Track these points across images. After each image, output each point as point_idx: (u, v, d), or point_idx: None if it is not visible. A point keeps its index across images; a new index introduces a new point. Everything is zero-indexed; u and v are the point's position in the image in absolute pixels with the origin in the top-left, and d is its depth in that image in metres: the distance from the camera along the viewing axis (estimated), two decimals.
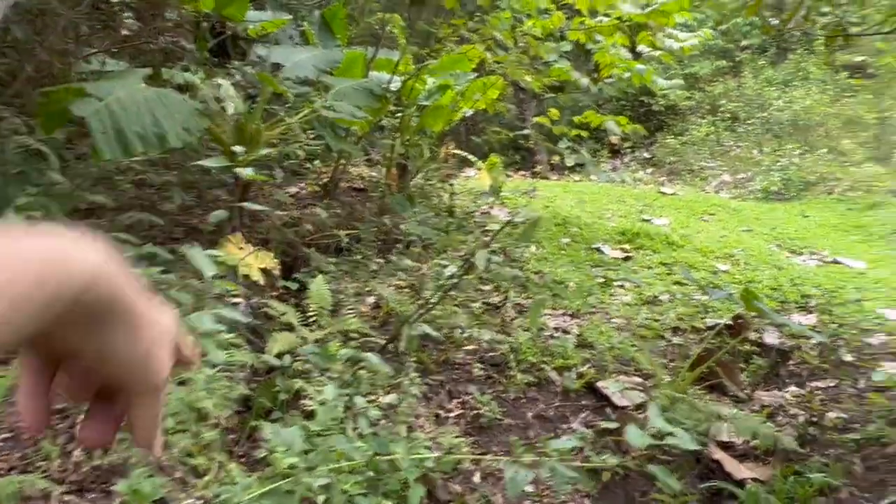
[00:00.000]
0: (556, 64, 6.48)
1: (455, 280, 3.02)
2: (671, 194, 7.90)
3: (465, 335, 3.22)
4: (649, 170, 11.69)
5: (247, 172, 3.20)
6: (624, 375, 3.04)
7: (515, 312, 3.77)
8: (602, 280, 4.67)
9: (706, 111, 11.61)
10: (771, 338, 4.11)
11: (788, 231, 6.50)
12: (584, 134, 6.40)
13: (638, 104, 13.17)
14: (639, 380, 2.98)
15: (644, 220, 6.45)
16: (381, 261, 4.31)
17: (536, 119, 6.50)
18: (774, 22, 9.41)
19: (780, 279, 4.91)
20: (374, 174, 6.26)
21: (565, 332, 3.58)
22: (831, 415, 2.88)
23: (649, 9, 5.50)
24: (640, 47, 5.82)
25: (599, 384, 2.83)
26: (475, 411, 2.61)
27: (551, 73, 5.71)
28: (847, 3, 9.21)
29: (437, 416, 2.55)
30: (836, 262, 5.50)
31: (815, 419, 2.86)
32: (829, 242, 6.16)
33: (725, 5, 13.21)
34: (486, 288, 4.11)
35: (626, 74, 5.69)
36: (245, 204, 3.48)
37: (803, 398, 3.23)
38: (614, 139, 13.13)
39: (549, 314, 3.83)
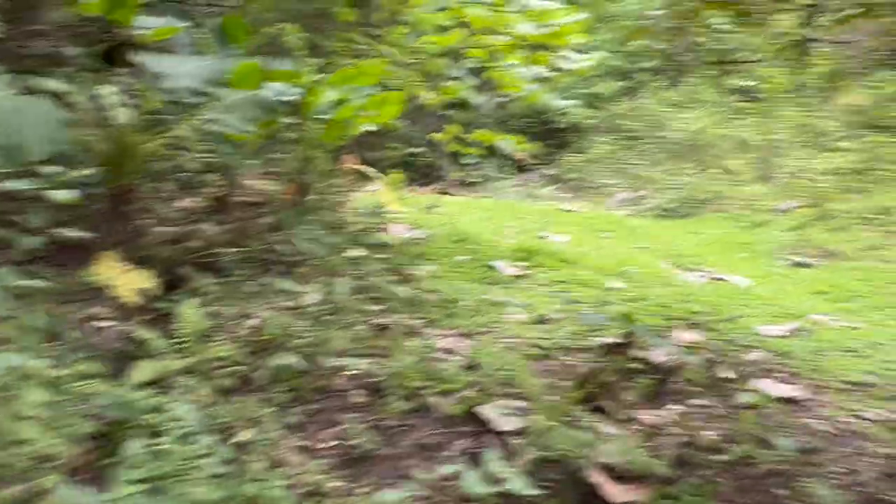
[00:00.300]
0: (457, 81, 6.50)
1: (334, 303, 2.91)
2: (571, 211, 8.04)
3: (345, 360, 3.11)
4: (554, 186, 11.91)
5: (61, 195, 3.02)
6: (507, 399, 3.00)
7: (404, 334, 3.68)
8: (496, 299, 4.65)
9: (607, 129, 11.95)
10: (658, 355, 4.18)
11: (681, 248, 6.70)
12: (475, 151, 6.41)
13: (541, 122, 13.43)
14: (521, 403, 2.95)
15: (542, 238, 6.51)
16: (268, 280, 4.15)
17: (435, 136, 6.46)
18: (661, 46, 9.79)
19: (669, 296, 5.02)
20: (271, 188, 6.06)
21: (453, 353, 3.52)
22: (706, 434, 2.92)
23: (546, 30, 5.58)
24: (537, 67, 5.90)
25: (479, 409, 2.77)
26: (349, 442, 2.51)
27: (447, 90, 5.69)
28: (733, 32, 9.67)
29: (307, 448, 2.43)
30: (722, 280, 5.69)
31: (690, 440, 2.89)
32: (718, 260, 6.39)
33: (622, 28, 13.71)
34: (375, 308, 4.01)
35: (522, 93, 5.74)
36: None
37: (682, 418, 3.28)
38: (520, 156, 13.34)
39: (440, 334, 3.77)
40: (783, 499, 2.55)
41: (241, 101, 4.77)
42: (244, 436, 2.27)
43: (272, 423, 2.48)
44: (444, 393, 2.95)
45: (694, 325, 4.60)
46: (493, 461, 2.48)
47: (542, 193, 11.21)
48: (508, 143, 5.65)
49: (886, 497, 2.52)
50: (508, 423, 2.74)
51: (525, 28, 5.41)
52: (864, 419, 3.12)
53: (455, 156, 12.04)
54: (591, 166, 11.15)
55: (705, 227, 7.71)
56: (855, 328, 4.57)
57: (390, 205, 6.31)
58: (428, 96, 5.96)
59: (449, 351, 3.52)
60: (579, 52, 5.74)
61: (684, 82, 12.21)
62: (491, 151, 13.56)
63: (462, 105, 13.52)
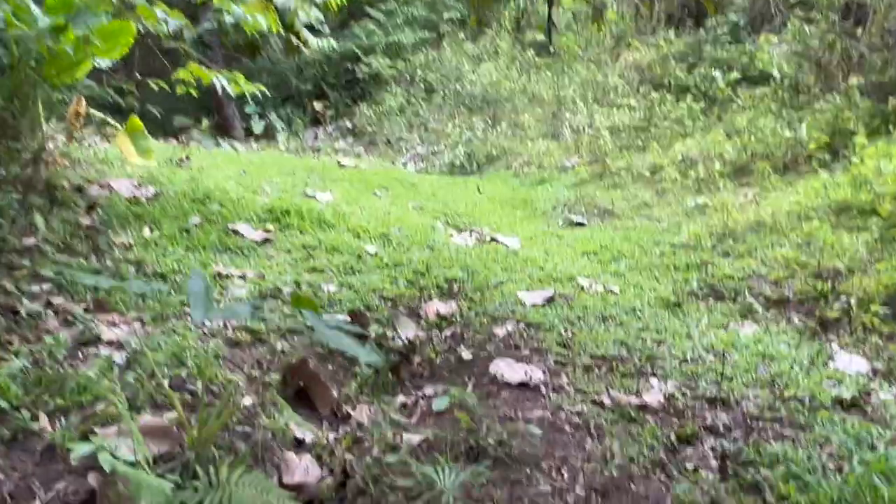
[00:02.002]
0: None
1: None
2: (351, 167, 7.36)
3: None
4: (350, 139, 11.19)
5: None
6: (155, 412, 2.27)
7: (59, 322, 2.82)
8: (221, 271, 3.87)
9: (408, 81, 11.35)
10: (406, 331, 3.65)
11: (458, 207, 6.26)
12: (189, 90, 5.48)
13: (342, 70, 12.59)
14: (173, 416, 2.23)
15: (307, 196, 5.78)
16: None
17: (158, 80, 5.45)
18: None
19: (429, 261, 4.51)
20: None
21: (120, 347, 2.72)
22: (413, 438, 2.38)
23: None
24: None
25: (100, 431, 2.02)
26: None
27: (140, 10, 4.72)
28: None
29: None
30: (494, 241, 5.29)
31: (395, 444, 2.34)
32: (495, 219, 6.01)
33: None
34: (34, 288, 3.09)
35: (229, 19, 4.89)
36: None
37: (404, 412, 2.74)
38: (318, 106, 12.45)
39: (110, 321, 2.94)
40: None
41: None
42: None
43: None
44: (60, 411, 2.16)
45: (450, 294, 4.12)
46: None
47: (338, 146, 10.44)
48: (224, 82, 4.78)
49: None
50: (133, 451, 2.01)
51: None
52: (598, 404, 2.74)
53: (240, 103, 10.92)
54: (388, 119, 10.52)
55: (490, 184, 7.37)
56: (616, 293, 4.31)
57: (129, 158, 5.28)
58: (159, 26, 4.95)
59: (113, 344, 2.72)
60: None
61: (485, 35, 11.85)
62: (282, 100, 12.56)
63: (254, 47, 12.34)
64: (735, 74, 7.92)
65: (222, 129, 11.31)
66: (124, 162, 5.81)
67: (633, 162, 6.99)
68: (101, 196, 4.71)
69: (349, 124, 11.57)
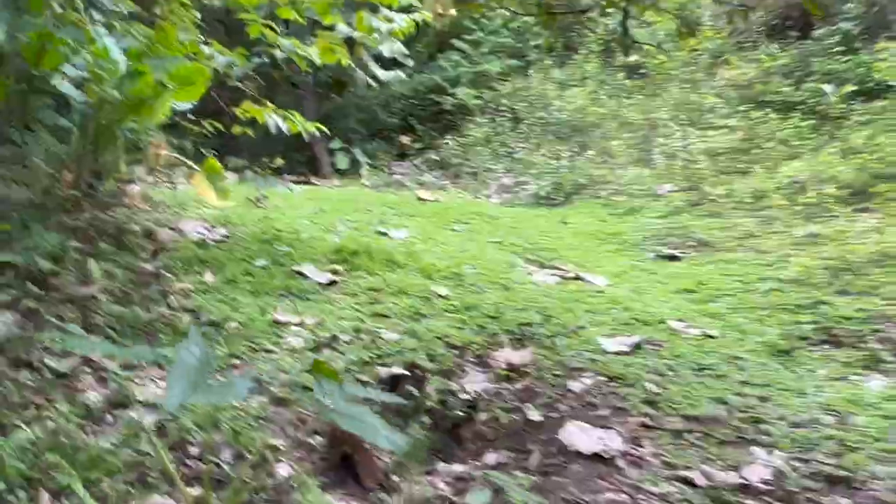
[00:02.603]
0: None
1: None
2: (430, 201, 7.13)
3: None
4: (436, 172, 11.01)
5: None
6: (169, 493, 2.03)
7: (94, 380, 2.66)
8: (280, 318, 3.67)
9: (494, 111, 11.10)
10: (472, 384, 3.32)
11: (542, 241, 5.89)
12: (241, 130, 5.35)
13: (429, 102, 12.50)
14: (195, 493, 1.98)
15: (380, 233, 5.57)
16: None
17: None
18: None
19: (503, 303, 4.17)
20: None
21: (153, 408, 2.52)
22: None
23: None
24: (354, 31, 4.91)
25: None
26: None
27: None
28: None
29: None
30: (577, 279, 4.88)
31: None
32: (580, 254, 5.60)
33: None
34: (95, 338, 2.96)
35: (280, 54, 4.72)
36: None
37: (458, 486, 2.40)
38: (405, 140, 12.40)
39: (152, 376, 2.76)
40: None
41: None
42: None
43: None
44: (64, 492, 1.96)
45: (524, 341, 3.75)
46: None
47: (420, 181, 10.29)
48: (278, 120, 4.62)
49: None
50: None
51: None
52: (687, 483, 2.30)
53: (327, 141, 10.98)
54: (474, 150, 10.28)
55: (576, 215, 6.94)
56: (714, 337, 3.81)
57: (206, 199, 5.25)
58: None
59: (147, 406, 2.53)
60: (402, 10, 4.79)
61: (572, 60, 11.48)
62: (370, 135, 12.59)
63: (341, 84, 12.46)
64: (849, 87, 7.20)
65: (313, 167, 11.41)
66: (201, 203, 5.83)
67: (733, 187, 6.41)
68: (170, 240, 4.66)
69: (435, 157, 11.42)
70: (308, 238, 5.08)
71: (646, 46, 9.80)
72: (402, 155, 11.75)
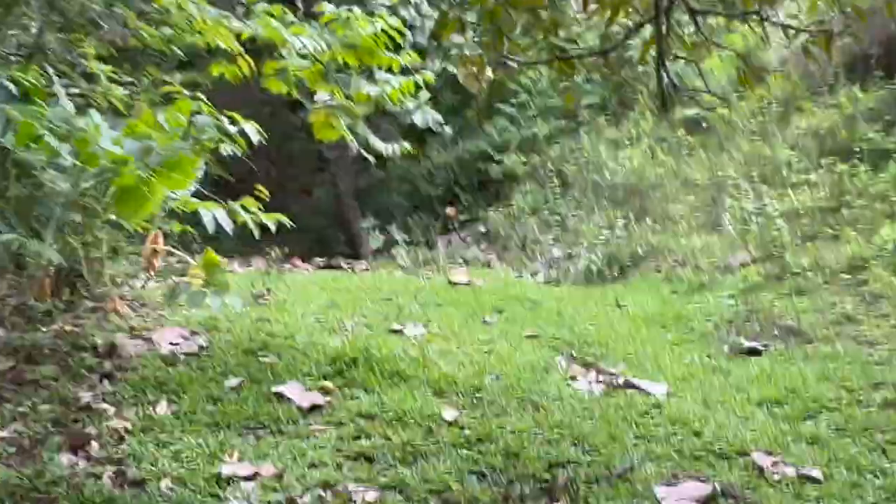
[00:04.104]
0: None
1: None
2: (463, 285, 6.27)
3: None
4: (483, 245, 10.20)
5: None
6: None
7: None
8: (225, 472, 2.83)
9: (543, 177, 10.26)
10: None
11: (588, 332, 4.93)
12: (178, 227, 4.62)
13: (474, 171, 11.81)
14: None
15: (394, 332, 4.74)
16: None
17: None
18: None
19: (530, 430, 3.24)
20: None
21: None
22: None
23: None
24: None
25: None
26: None
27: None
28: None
29: None
30: (629, 386, 3.89)
31: None
32: (636, 347, 4.60)
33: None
34: None
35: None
36: None
37: None
38: (451, 211, 11.68)
39: None
40: None
41: None
42: None
43: None
44: None
45: (553, 493, 2.79)
46: None
47: (465, 256, 9.47)
48: (218, 213, 3.79)
49: None
50: None
51: (312, 42, 3.75)
52: None
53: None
54: (521, 220, 9.42)
55: (633, 294, 5.94)
56: (817, 481, 2.77)
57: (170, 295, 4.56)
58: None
59: None
60: (404, 71, 4.03)
61: (627, 118, 10.60)
62: (413, 206, 11.92)
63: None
64: None
65: (352, 246, 10.76)
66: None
67: (821, 256, 5.32)
68: (135, 355, 3.94)
69: (482, 228, 10.62)
70: (304, 344, 4.28)
71: (704, 96, 8.86)
72: (447, 228, 11.01)
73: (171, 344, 4.14)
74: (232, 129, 4.24)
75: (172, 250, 5.21)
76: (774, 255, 5.69)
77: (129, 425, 3.10)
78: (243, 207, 3.41)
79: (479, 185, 11.84)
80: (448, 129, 9.30)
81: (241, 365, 3.88)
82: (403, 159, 11.24)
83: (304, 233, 12.64)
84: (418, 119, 8.83)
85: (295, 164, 13.91)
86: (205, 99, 3.61)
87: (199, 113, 3.52)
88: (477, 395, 3.65)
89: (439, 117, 9.08)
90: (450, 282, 6.34)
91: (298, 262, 8.45)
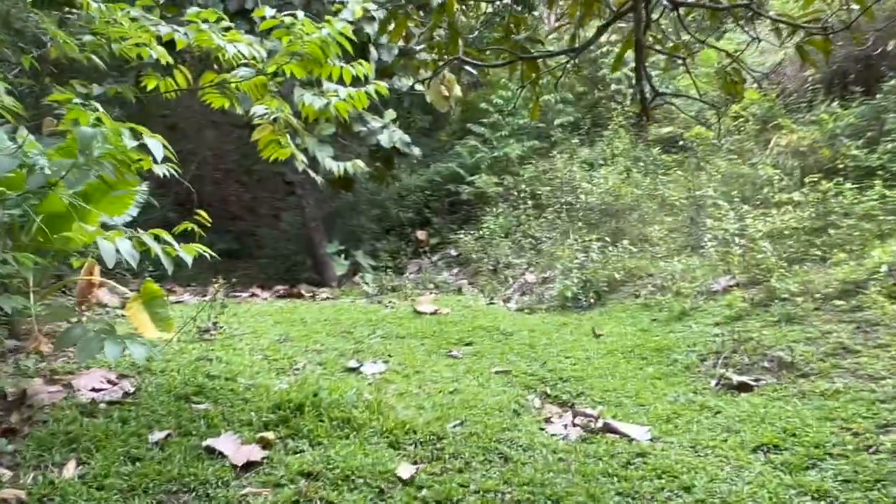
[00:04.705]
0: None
1: None
2: (429, 314, 5.84)
3: None
4: (455, 269, 9.79)
5: None
6: None
7: None
8: None
9: (515, 198, 9.90)
10: None
11: (563, 367, 4.52)
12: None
13: (445, 193, 11.45)
14: None
15: (349, 370, 4.29)
16: None
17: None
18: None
19: (497, 489, 2.80)
20: None
21: None
22: None
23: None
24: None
25: None
26: None
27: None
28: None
29: None
30: (608, 430, 3.48)
31: None
32: (615, 383, 4.20)
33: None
34: None
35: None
36: None
37: None
38: (421, 235, 11.28)
39: None
40: None
41: None
42: None
43: None
44: None
45: None
46: None
47: (435, 281, 9.04)
48: (106, 245, 3.33)
49: None
50: None
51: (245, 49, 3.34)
52: None
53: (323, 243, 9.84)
54: (494, 244, 9.03)
55: (610, 322, 5.55)
56: None
57: (142, 332, 4.06)
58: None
59: None
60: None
61: (601, 138, 10.30)
62: (384, 231, 11.47)
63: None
64: None
65: (319, 272, 10.27)
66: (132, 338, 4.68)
67: (810, 280, 4.98)
68: (48, 403, 3.45)
69: (453, 252, 10.23)
70: (246, 387, 3.82)
71: (680, 115, 8.59)
72: (418, 252, 10.60)
73: (93, 390, 3.66)
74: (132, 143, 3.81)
75: (109, 282, 4.74)
76: (760, 279, 5.35)
77: (23, 495, 2.62)
78: (155, 238, 2.94)
79: (450, 207, 11.47)
80: (417, 150, 8.90)
81: (170, 414, 3.42)
82: (372, 182, 10.85)
83: (273, 259, 12.17)
84: (384, 139, 8.43)
85: (266, 187, 13.44)
86: (100, 108, 3.15)
87: (99, 125, 3.05)
88: (438, 445, 3.22)
89: (406, 137, 8.69)
90: (415, 311, 5.90)
91: (258, 290, 7.96)
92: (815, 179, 6.05)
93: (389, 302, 6.71)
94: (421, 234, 11.23)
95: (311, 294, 7.77)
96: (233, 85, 3.84)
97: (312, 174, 4.18)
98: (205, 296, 7.01)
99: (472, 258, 9.32)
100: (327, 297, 7.42)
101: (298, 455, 3.09)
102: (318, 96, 3.58)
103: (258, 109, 3.55)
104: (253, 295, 7.52)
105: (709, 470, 2.99)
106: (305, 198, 10.01)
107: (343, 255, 9.05)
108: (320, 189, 10.81)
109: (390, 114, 8.75)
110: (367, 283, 8.16)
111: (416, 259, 10.60)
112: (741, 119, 8.37)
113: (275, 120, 3.58)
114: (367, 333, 5.13)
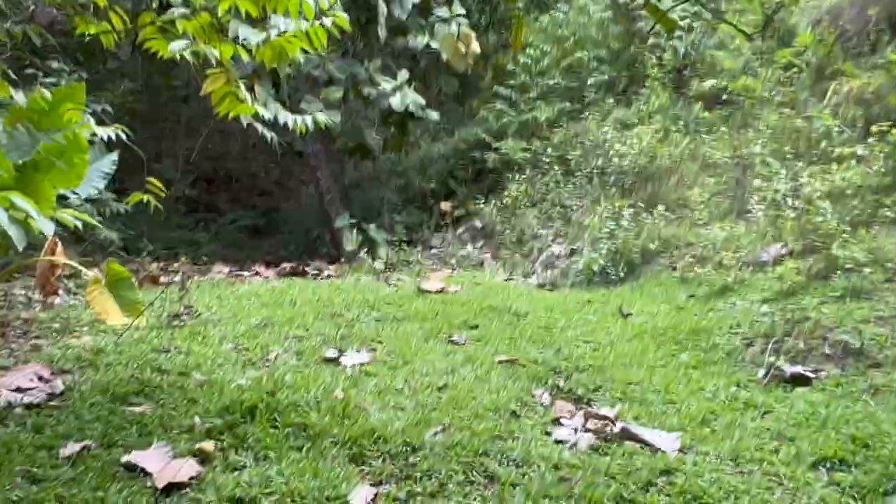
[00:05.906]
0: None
1: None
2: (435, 293, 5.20)
3: None
4: (479, 242, 9.13)
5: None
6: None
7: None
8: None
9: (544, 165, 9.14)
10: None
11: (582, 352, 3.85)
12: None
13: (470, 161, 10.71)
14: None
15: (328, 360, 3.70)
16: None
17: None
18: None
19: None
20: None
21: None
22: None
23: None
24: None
25: None
26: None
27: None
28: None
29: None
30: (626, 436, 2.81)
31: None
32: (641, 375, 3.51)
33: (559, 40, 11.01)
34: None
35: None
36: None
37: None
38: (445, 206, 10.60)
39: None
40: None
41: None
42: None
43: None
44: None
45: None
46: None
47: (459, 255, 8.42)
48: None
49: None
50: None
51: None
52: None
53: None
54: (520, 214, 8.33)
55: (641, 299, 4.85)
56: None
57: (105, 318, 3.51)
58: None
59: None
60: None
61: (638, 96, 9.44)
62: (404, 202, 10.83)
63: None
64: None
65: (336, 247, 9.69)
66: (95, 326, 4.18)
67: (880, 247, 4.18)
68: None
69: (478, 223, 9.55)
70: (198, 384, 3.25)
71: (724, 63, 7.69)
72: (437, 226, 9.94)
73: (17, 390, 3.13)
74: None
75: (72, 263, 4.20)
76: (818, 247, 4.56)
77: None
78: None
79: (476, 176, 10.77)
80: (434, 114, 8.23)
81: (98, 419, 2.86)
82: (387, 149, 10.20)
83: (294, 234, 11.67)
84: (396, 102, 7.77)
85: (295, 160, 12.85)
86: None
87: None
88: (410, 459, 2.60)
89: (421, 99, 8.02)
90: (419, 289, 5.27)
91: (262, 268, 7.43)
92: (884, 129, 5.19)
93: (395, 279, 6.09)
94: (445, 206, 10.56)
95: (316, 272, 7.20)
96: (179, 28, 3.22)
97: (262, 129, 3.52)
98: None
99: (497, 230, 8.65)
100: (329, 276, 6.83)
101: (236, 473, 2.50)
102: (259, 32, 2.93)
103: (176, 45, 2.90)
104: (256, 273, 6.99)
105: (754, 494, 2.31)
106: (320, 169, 9.43)
107: (356, 229, 8.44)
108: (337, 160, 10.24)
109: (403, 75, 8.07)
110: (379, 258, 7.55)
111: (438, 232, 9.96)
112: (793, 70, 7.44)
113: (219, 63, 2.95)
114: (360, 315, 4.53)
